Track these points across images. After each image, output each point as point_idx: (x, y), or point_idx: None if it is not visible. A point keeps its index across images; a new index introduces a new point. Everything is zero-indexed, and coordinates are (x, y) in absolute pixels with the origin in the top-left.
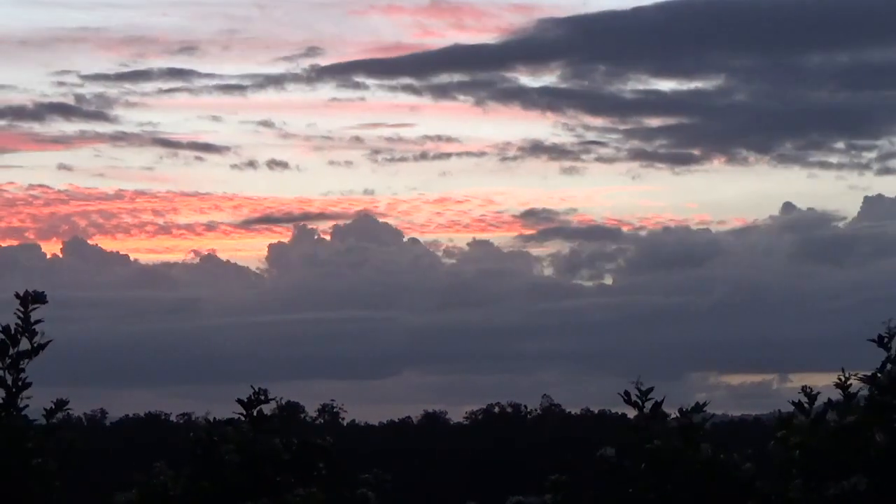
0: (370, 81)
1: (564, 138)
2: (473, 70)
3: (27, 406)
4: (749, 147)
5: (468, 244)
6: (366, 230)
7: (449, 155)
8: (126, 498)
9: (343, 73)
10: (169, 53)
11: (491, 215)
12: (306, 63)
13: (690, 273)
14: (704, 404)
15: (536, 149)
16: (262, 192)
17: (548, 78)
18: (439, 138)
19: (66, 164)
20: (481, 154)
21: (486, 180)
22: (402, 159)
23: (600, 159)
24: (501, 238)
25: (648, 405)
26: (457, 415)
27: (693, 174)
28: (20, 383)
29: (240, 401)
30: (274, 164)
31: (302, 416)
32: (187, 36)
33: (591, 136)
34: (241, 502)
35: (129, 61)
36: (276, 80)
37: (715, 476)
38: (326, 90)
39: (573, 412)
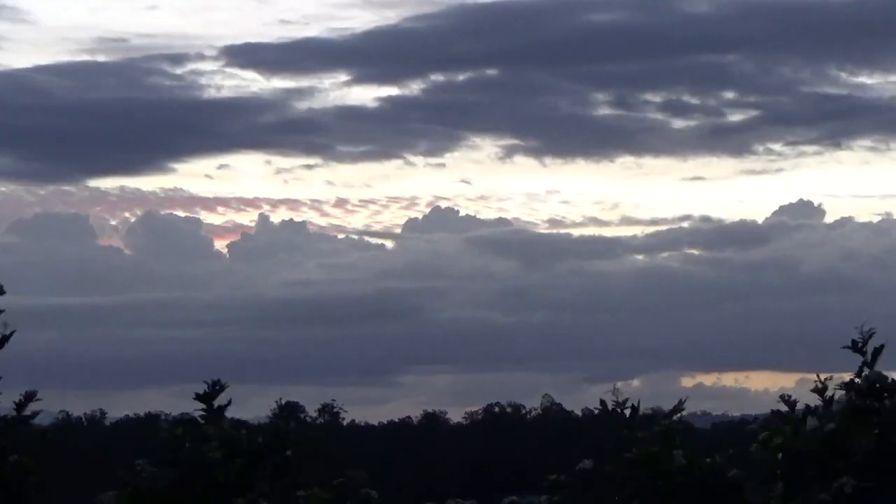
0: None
1: (746, 136)
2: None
3: None
4: None
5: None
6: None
7: (630, 153)
8: (109, 497)
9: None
10: None
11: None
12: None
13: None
14: (682, 401)
15: (716, 148)
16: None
17: (731, 70)
18: (614, 134)
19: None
20: (657, 154)
21: (659, 180)
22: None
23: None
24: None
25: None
26: (457, 415)
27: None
28: None
29: (197, 395)
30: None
31: (302, 416)
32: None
33: (781, 135)
34: (222, 497)
35: None
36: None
37: (695, 481)
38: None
39: (574, 412)
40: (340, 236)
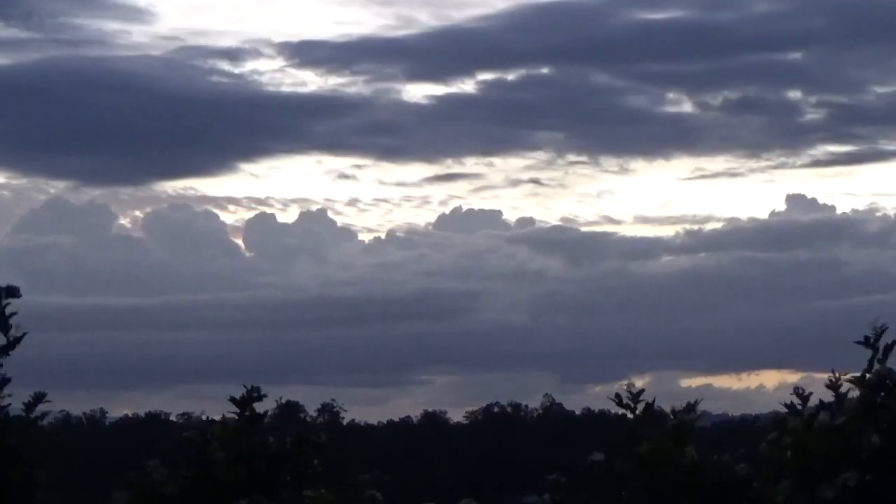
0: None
1: (812, 137)
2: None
3: (10, 405)
4: None
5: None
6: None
7: (687, 153)
8: (122, 497)
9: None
10: None
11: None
12: None
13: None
14: (696, 403)
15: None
16: None
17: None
18: (670, 133)
19: None
20: (715, 154)
21: (716, 180)
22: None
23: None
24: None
25: (640, 406)
26: (457, 415)
27: None
28: None
29: (233, 399)
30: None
31: (302, 415)
32: None
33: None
34: (234, 500)
35: None
36: None
37: (704, 478)
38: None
39: (574, 412)
40: (370, 236)
